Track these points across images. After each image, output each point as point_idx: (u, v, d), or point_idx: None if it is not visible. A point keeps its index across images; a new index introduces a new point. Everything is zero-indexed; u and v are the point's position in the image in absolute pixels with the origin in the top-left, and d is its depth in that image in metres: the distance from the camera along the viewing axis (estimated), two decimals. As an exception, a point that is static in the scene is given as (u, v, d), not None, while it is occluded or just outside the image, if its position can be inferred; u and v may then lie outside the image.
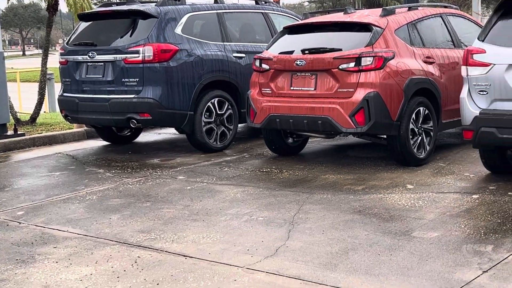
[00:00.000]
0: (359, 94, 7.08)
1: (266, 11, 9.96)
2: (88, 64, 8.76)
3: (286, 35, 8.10)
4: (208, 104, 8.66)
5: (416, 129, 7.41)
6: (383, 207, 5.80)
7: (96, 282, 4.32)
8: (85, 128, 10.54)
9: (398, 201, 5.99)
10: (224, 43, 9.04)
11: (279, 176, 7.21)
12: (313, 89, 7.41)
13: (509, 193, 6.06)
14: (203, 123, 8.62)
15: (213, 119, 8.75)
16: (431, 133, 7.63)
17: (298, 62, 7.46)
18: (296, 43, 7.86)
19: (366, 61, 7.09)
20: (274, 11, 10.12)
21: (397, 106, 7.18)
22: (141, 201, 6.37)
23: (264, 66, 7.83)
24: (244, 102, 8.53)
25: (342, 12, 8.08)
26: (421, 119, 7.47)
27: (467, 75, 6.33)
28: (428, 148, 7.56)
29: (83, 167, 8.15)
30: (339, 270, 4.33)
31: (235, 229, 5.33)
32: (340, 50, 7.29)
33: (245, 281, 4.22)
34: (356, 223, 5.37)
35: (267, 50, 8.05)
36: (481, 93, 6.23)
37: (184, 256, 4.74)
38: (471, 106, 6.30)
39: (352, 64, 7.13)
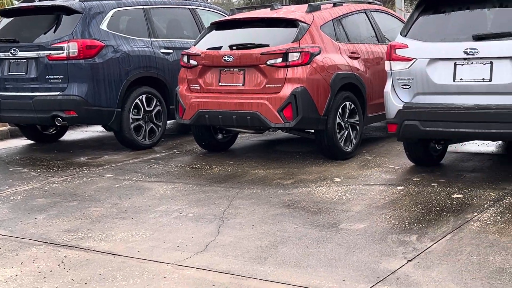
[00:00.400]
0: (287, 90, 7.15)
1: (193, 6, 9.92)
2: (11, 61, 8.51)
3: (214, 31, 8.09)
4: (136, 100, 8.57)
5: (342, 124, 7.54)
6: (312, 200, 5.88)
7: (21, 283, 4.21)
8: (9, 126, 10.24)
9: (326, 194, 6.09)
10: (151, 39, 8.96)
11: (209, 172, 7.21)
12: (241, 84, 7.44)
13: (432, 184, 6.25)
14: (131, 120, 8.52)
15: (141, 116, 8.66)
16: (357, 127, 7.78)
17: (226, 58, 7.47)
18: (223, 39, 7.85)
19: (293, 57, 7.16)
20: (201, 7, 10.08)
21: (324, 101, 7.29)
22: (68, 200, 6.24)
23: (192, 62, 7.80)
24: (172, 99, 8.48)
25: (269, 8, 8.13)
26: (347, 113, 7.60)
27: (391, 69, 6.48)
28: (354, 141, 7.71)
29: (7, 167, 7.91)
30: (269, 264, 4.37)
31: (164, 226, 5.29)
32: (268, 45, 7.35)
33: (175, 278, 4.20)
34: (285, 216, 5.43)
35: (194, 46, 8.03)
36: (404, 87, 6.40)
37: (113, 254, 4.68)
38: (395, 100, 6.45)
39: (279, 60, 7.19)
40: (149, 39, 8.93)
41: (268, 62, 7.23)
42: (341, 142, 7.49)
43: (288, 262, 4.39)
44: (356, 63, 7.80)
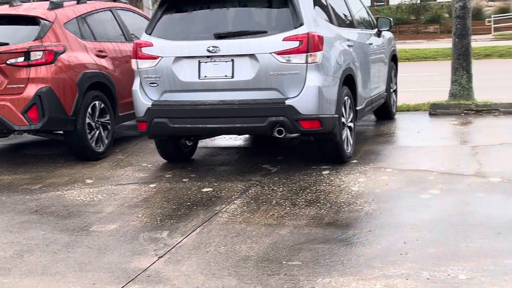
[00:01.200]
0: (31, 90, 6.82)
1: None
2: None
3: None
4: None
5: (93, 123, 7.38)
6: (61, 205, 5.67)
7: None
8: None
9: (77, 196, 5.91)
10: None
11: None
12: (-21, 86, 6.93)
13: (183, 180, 6.37)
14: None
15: None
16: (109, 127, 7.67)
17: (-40, 57, 6.90)
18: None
19: (36, 56, 6.85)
20: None
21: (72, 101, 7.08)
22: None
23: None
24: None
25: (8, 5, 7.67)
26: (97, 113, 7.46)
27: (138, 68, 6.47)
28: (106, 141, 7.59)
29: None
30: (13, 275, 4.12)
31: None
32: (7, 44, 6.95)
33: None
34: (32, 223, 5.17)
35: None
36: (152, 85, 6.43)
37: None
38: (144, 98, 6.46)
39: (21, 59, 6.83)
40: None
41: (8, 62, 6.83)
42: (92, 142, 7.33)
43: (35, 271, 4.18)
44: (104, 62, 7.68)
